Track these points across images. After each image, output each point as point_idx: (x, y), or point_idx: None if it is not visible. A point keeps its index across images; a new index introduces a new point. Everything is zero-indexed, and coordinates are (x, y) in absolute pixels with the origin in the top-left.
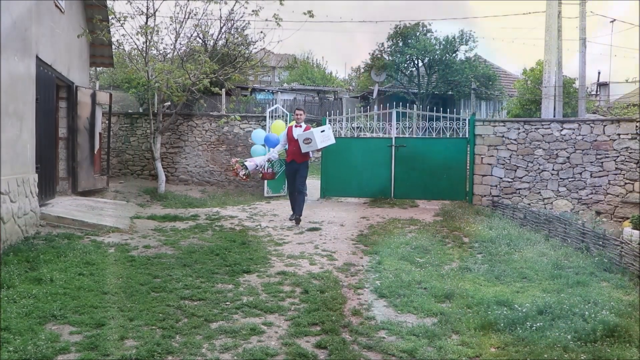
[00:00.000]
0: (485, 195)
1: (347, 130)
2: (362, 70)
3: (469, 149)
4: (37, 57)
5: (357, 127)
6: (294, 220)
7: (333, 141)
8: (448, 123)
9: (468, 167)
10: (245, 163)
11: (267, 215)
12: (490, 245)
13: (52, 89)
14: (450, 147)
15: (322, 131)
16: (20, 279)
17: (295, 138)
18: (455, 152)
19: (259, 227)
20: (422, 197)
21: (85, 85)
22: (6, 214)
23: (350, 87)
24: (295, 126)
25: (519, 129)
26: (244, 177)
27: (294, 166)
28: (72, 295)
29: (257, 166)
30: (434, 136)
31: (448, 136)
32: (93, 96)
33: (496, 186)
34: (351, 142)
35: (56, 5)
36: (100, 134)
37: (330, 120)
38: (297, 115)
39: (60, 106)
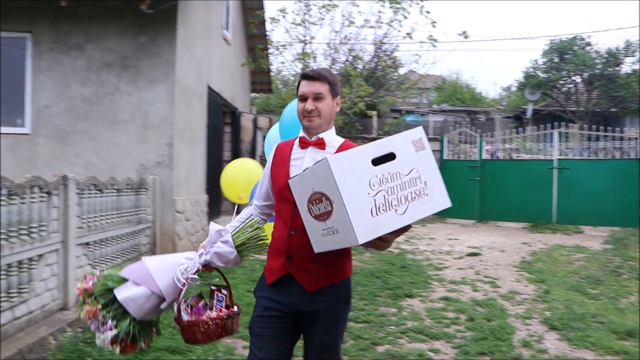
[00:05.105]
0: None
1: (504, 152)
2: (515, 88)
3: None
4: (208, 86)
5: (515, 149)
6: None
7: (445, 203)
8: (617, 143)
9: None
10: (117, 292)
11: (423, 238)
12: None
13: (219, 115)
14: (620, 168)
15: (391, 156)
16: None
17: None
18: (626, 174)
19: (416, 250)
20: (587, 223)
21: (247, 110)
22: (181, 231)
23: (501, 107)
24: (301, 144)
25: None
26: (111, 342)
27: (297, 299)
28: (244, 312)
29: (167, 301)
30: (599, 157)
31: (617, 157)
32: (254, 121)
33: None
34: (508, 164)
35: (224, 39)
36: (260, 156)
37: (486, 143)
38: (303, 103)
39: (225, 130)
